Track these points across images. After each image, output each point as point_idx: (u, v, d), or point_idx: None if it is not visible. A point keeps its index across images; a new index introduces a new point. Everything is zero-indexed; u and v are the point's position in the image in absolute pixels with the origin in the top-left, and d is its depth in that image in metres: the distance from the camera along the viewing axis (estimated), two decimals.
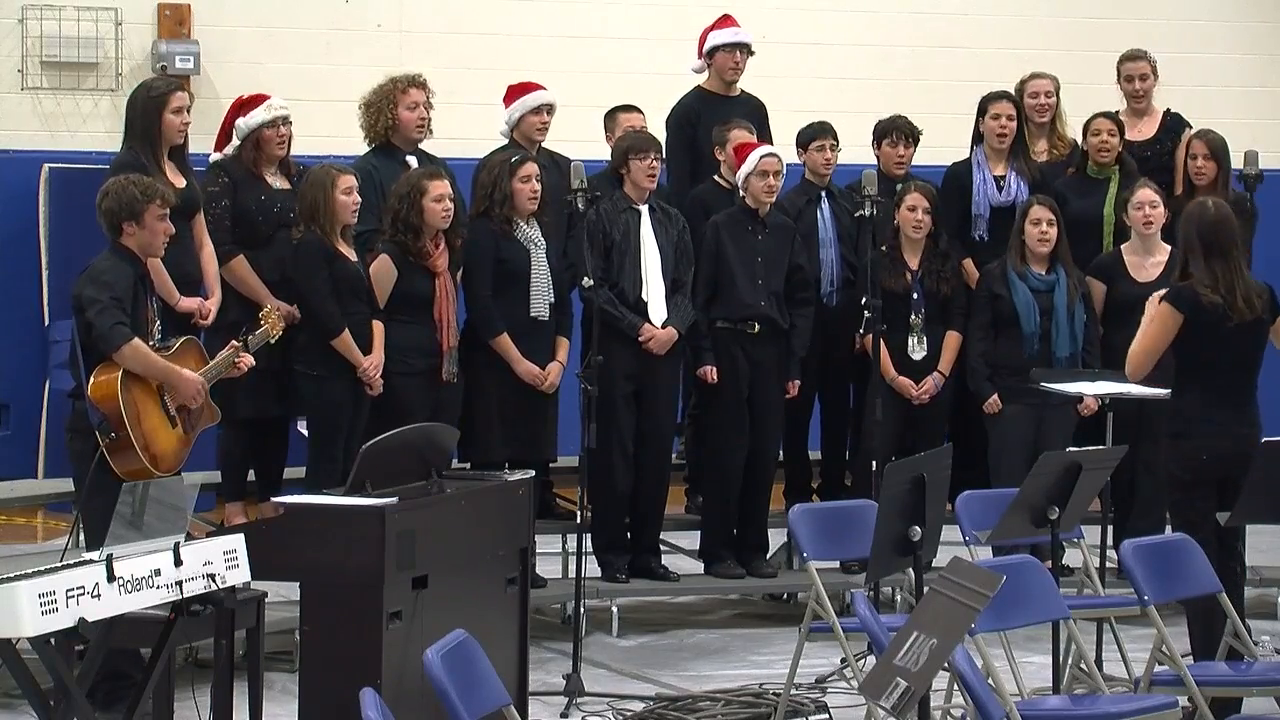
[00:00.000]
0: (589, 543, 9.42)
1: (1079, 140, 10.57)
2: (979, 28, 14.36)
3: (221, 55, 13.05)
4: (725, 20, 10.49)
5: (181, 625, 5.98)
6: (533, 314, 9.42)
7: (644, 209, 9.70)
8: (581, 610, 8.90)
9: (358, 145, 9.82)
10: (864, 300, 9.83)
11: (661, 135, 10.21)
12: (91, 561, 5.54)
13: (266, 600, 7.27)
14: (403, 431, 7.57)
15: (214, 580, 5.91)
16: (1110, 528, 9.08)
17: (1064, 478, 7.53)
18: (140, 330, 7.58)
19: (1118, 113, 10.61)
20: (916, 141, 10.54)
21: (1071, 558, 9.20)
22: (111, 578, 5.50)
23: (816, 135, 10.32)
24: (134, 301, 7.59)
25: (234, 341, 8.08)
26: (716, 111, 10.31)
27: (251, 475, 9.37)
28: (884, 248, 9.95)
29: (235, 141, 9.16)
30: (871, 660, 7.18)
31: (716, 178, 10.16)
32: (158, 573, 5.70)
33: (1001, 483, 9.18)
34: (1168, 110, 10.78)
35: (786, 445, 10.31)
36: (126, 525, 5.71)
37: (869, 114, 10.95)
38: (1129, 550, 7.32)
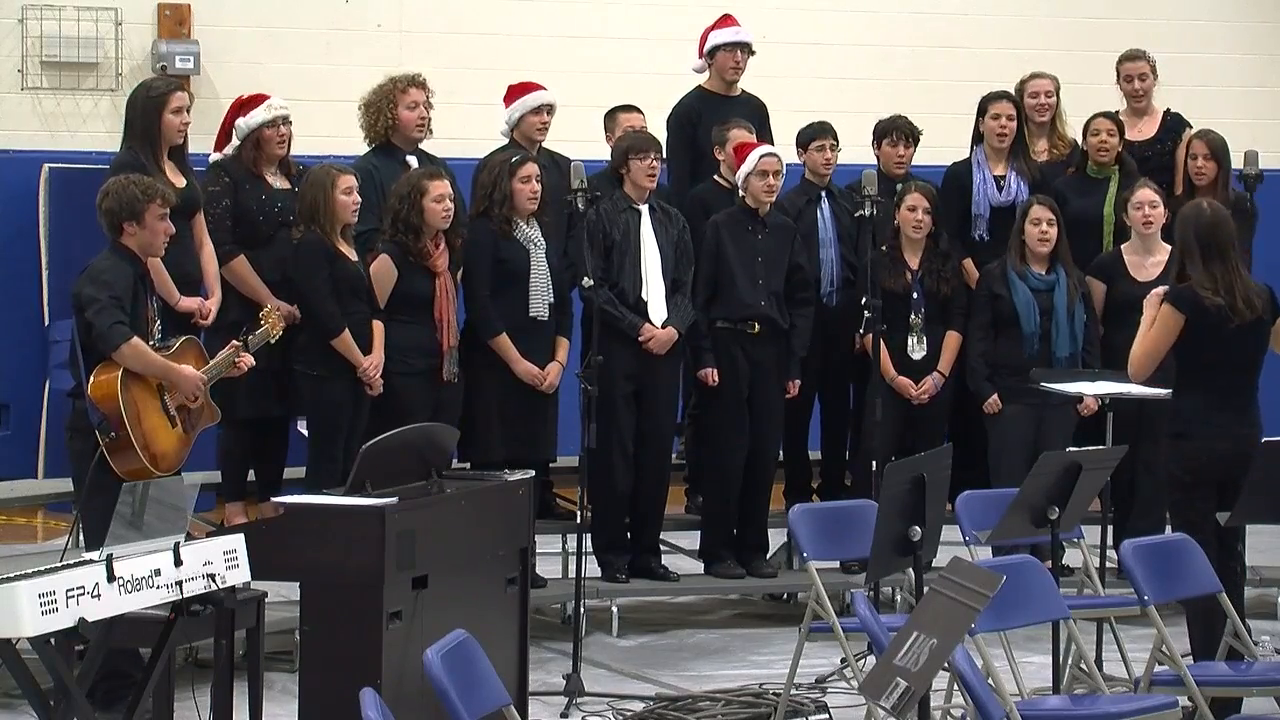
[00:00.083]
0: (589, 543, 9.42)
1: (1079, 140, 10.58)
2: (979, 28, 14.36)
3: (221, 55, 13.05)
4: (726, 20, 10.49)
5: (181, 625, 5.98)
6: (532, 314, 9.42)
7: (644, 209, 9.70)
8: (581, 610, 8.90)
9: (358, 145, 9.82)
10: (864, 300, 9.83)
11: (662, 135, 10.21)
12: (91, 561, 5.54)
13: (266, 600, 7.26)
14: (403, 431, 7.57)
15: (214, 580, 5.90)
16: (1110, 528, 9.08)
17: (1064, 478, 7.53)
18: (140, 330, 7.58)
19: (1118, 113, 10.61)
20: (916, 141, 10.55)
21: (1071, 558, 9.20)
22: (111, 578, 5.50)
23: (816, 135, 10.32)
24: (134, 301, 7.59)
25: (234, 341, 8.08)
26: (717, 111, 10.31)
27: (252, 475, 9.37)
28: (884, 248, 9.95)
29: (235, 141, 9.16)
30: (871, 660, 7.18)
31: (716, 177, 10.16)
32: (158, 573, 5.70)
33: (1001, 483, 9.18)
34: (1168, 110, 10.78)
35: (786, 445, 10.31)
36: (126, 525, 5.71)
37: (869, 114, 10.95)
38: (1129, 550, 7.32)
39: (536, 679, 8.33)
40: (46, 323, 12.47)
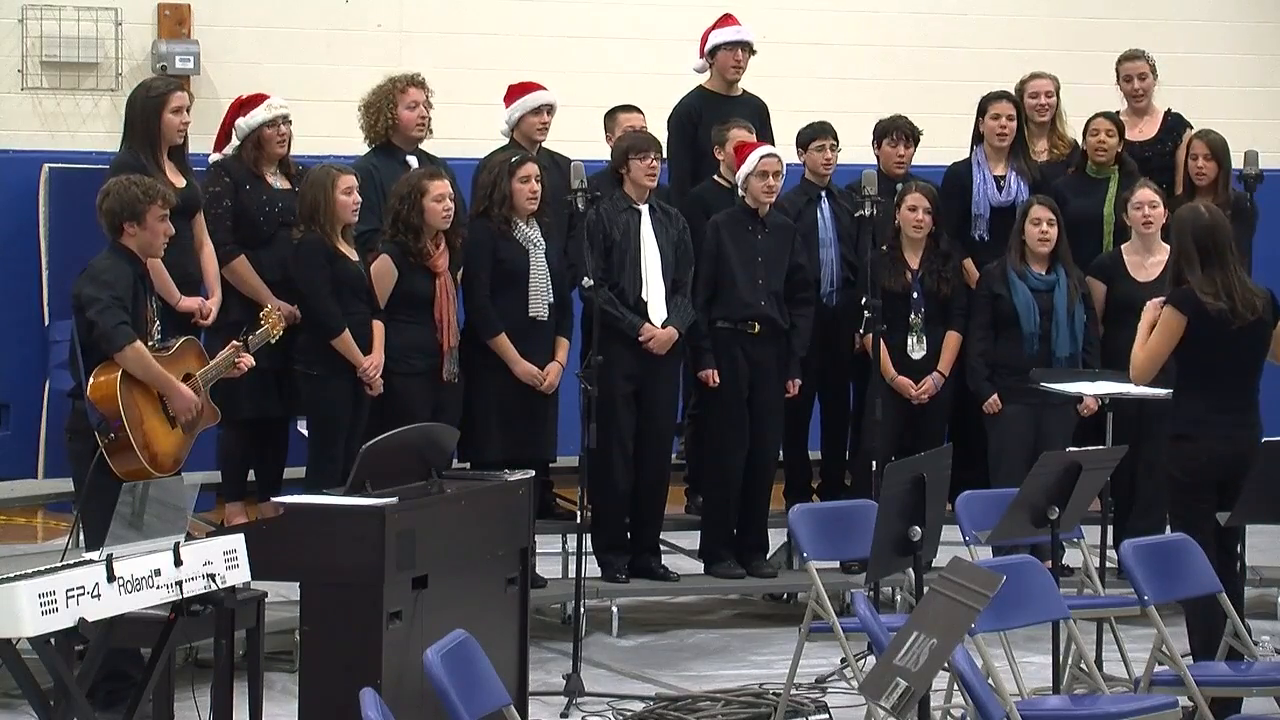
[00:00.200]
0: (589, 543, 9.42)
1: (1079, 140, 10.58)
2: (979, 28, 14.36)
3: (221, 55, 13.05)
4: (727, 19, 10.49)
5: (181, 625, 5.98)
6: (531, 314, 9.42)
7: (644, 209, 9.70)
8: (581, 610, 8.90)
9: (358, 145, 9.82)
10: (864, 300, 9.83)
11: (662, 135, 10.21)
12: (91, 561, 5.54)
13: (266, 600, 7.26)
14: (403, 431, 7.58)
15: (214, 580, 5.91)
16: (1110, 528, 9.08)
17: (1064, 478, 7.54)
18: (140, 330, 7.57)
19: (1119, 113, 10.61)
20: (916, 141, 10.55)
21: (1071, 558, 9.21)
22: (111, 578, 5.50)
23: (816, 135, 10.32)
24: (134, 301, 7.59)
25: (234, 341, 8.07)
26: (718, 111, 10.31)
27: (252, 475, 9.37)
28: (884, 247, 9.95)
29: (235, 141, 9.16)
30: (871, 660, 7.18)
31: (716, 177, 10.16)
32: (158, 573, 5.70)
33: (1001, 483, 9.18)
34: (1169, 110, 10.78)
35: (786, 445, 10.31)
36: (126, 525, 5.71)
37: (869, 114, 10.95)
38: (1129, 550, 7.32)
39: (536, 679, 8.33)
40: (46, 323, 12.47)
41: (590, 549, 9.48)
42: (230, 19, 13.21)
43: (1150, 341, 7.92)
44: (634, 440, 9.67)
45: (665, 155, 10.05)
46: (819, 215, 10.28)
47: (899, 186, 10.22)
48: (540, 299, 9.43)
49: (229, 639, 6.94)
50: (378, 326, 9.02)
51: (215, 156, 9.25)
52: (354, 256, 8.98)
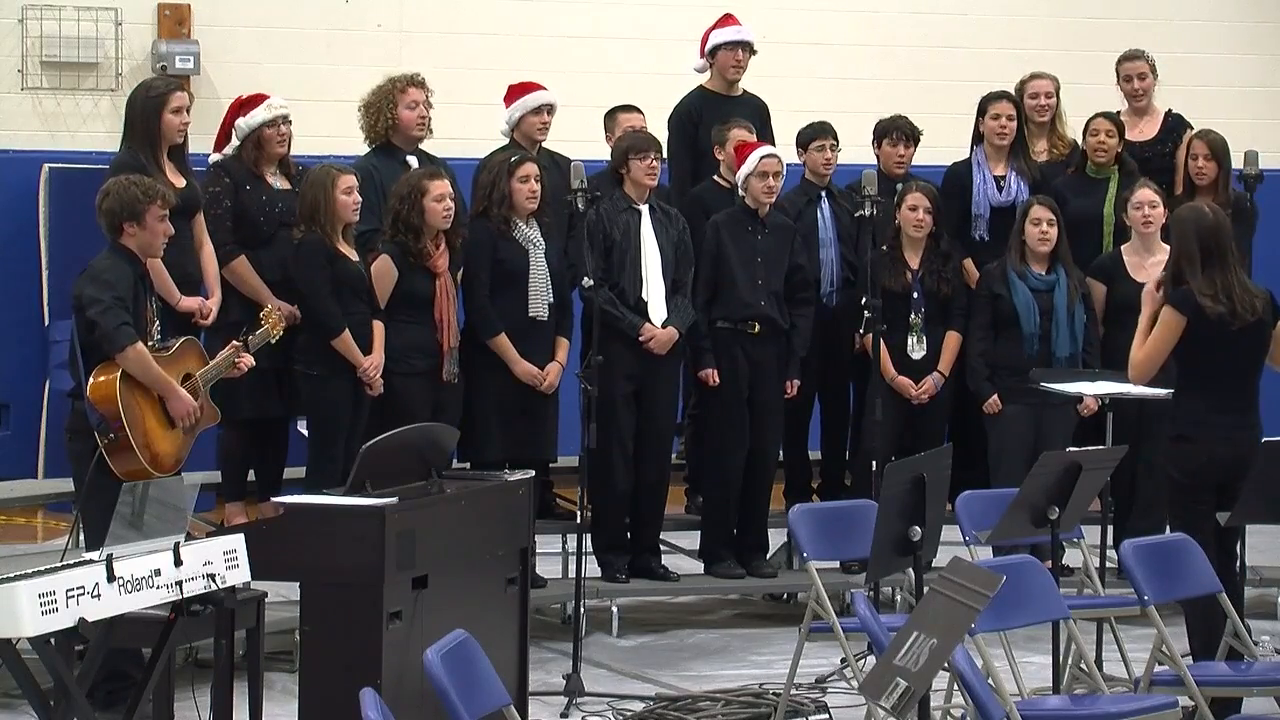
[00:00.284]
0: (589, 543, 9.42)
1: (1079, 140, 10.57)
2: (979, 28, 14.36)
3: (221, 55, 13.05)
4: (727, 19, 10.49)
5: (181, 625, 5.98)
6: (531, 314, 9.42)
7: (644, 209, 9.70)
8: (581, 610, 8.90)
9: (358, 145, 9.82)
10: (864, 300, 9.83)
11: (662, 135, 10.21)
12: (91, 561, 5.54)
13: (266, 600, 7.26)
14: (403, 431, 7.58)
15: (214, 580, 5.91)
16: (1110, 528, 9.08)
17: (1064, 478, 7.53)
18: (140, 330, 7.57)
19: (1119, 113, 10.61)
20: (916, 141, 10.54)
21: (1071, 558, 9.21)
22: (111, 578, 5.50)
23: (816, 135, 10.32)
24: (134, 301, 7.59)
25: (234, 341, 8.08)
26: (718, 111, 10.31)
27: (252, 475, 9.37)
28: (884, 247, 9.95)
29: (235, 141, 9.16)
30: (871, 660, 7.18)
31: (716, 178, 10.16)
32: (158, 573, 5.70)
33: (1001, 483, 9.18)
34: (1169, 111, 10.78)
35: (786, 445, 10.31)
36: (126, 525, 5.71)
37: (869, 114, 10.95)
38: (1129, 550, 7.32)
39: (536, 679, 8.33)
40: (46, 323, 12.47)
41: (590, 549, 9.48)
42: (230, 19, 13.21)
43: (1149, 341, 7.92)
44: (634, 440, 9.67)
45: (665, 155, 10.05)
46: (819, 215, 10.28)
47: (899, 186, 10.22)
48: (540, 299, 9.43)
49: (229, 639, 6.93)
50: (378, 326, 9.02)
51: (215, 156, 9.25)
52: (354, 256, 8.98)
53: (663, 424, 9.83)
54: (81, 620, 5.36)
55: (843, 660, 8.31)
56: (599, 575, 9.79)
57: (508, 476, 7.91)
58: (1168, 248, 9.63)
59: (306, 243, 8.88)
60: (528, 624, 7.80)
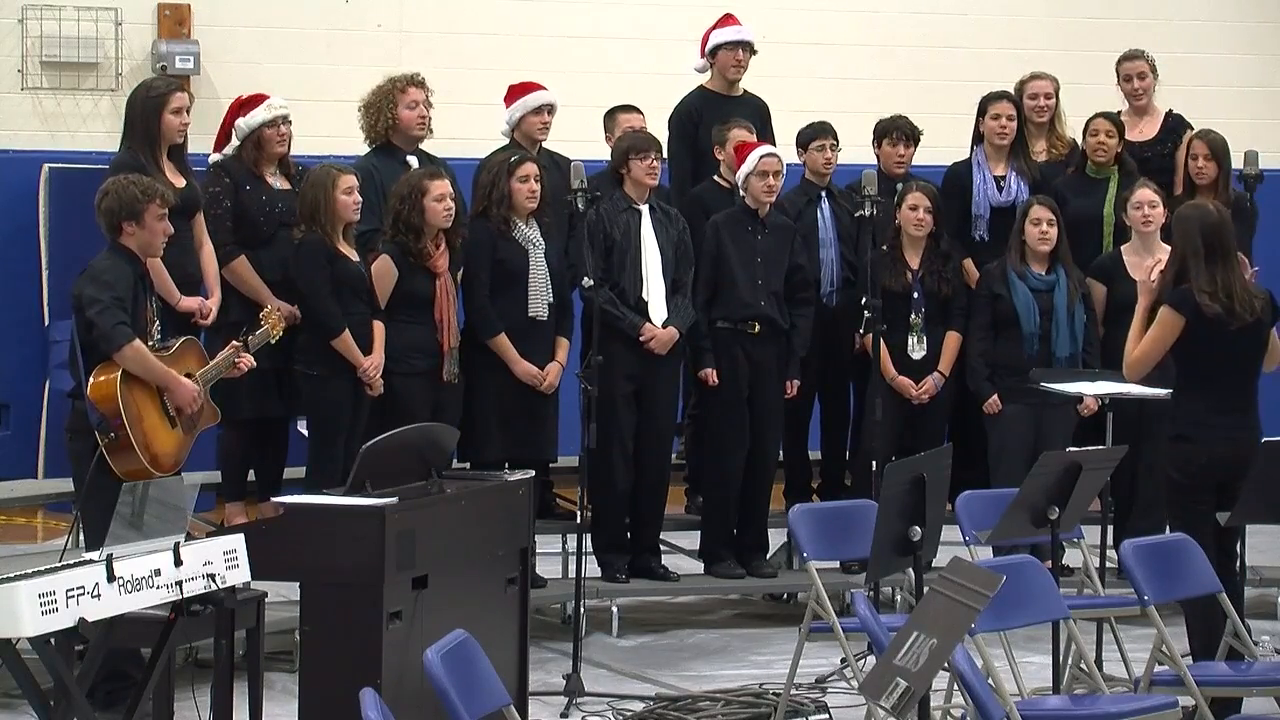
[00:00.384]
0: (589, 543, 9.42)
1: (1079, 140, 10.57)
2: (979, 28, 14.37)
3: (221, 55, 13.05)
4: (728, 19, 10.49)
5: (181, 625, 5.98)
6: (531, 314, 9.42)
7: (644, 209, 9.70)
8: (581, 610, 8.90)
9: (358, 145, 9.82)
10: (864, 300, 9.83)
11: (662, 135, 10.21)
12: (91, 561, 5.54)
13: (266, 600, 7.26)
14: (403, 431, 7.58)
15: (214, 580, 5.90)
16: (1110, 528, 9.08)
17: (1064, 478, 7.53)
18: (140, 330, 7.57)
19: (1119, 113, 10.61)
20: (916, 141, 10.55)
21: (1071, 558, 9.21)
22: (111, 578, 5.50)
23: (816, 135, 10.32)
24: (134, 301, 7.59)
25: (234, 341, 8.08)
26: (719, 111, 10.31)
27: (252, 475, 9.37)
28: (884, 247, 9.95)
29: (235, 141, 9.16)
30: (871, 660, 7.18)
31: (716, 178, 10.16)
32: (158, 573, 5.70)
33: (1001, 483, 9.18)
34: (1169, 111, 10.78)
35: (786, 445, 10.31)
36: (126, 525, 5.71)
37: (869, 114, 10.95)
38: (1129, 550, 7.32)
39: (536, 679, 8.33)
40: (46, 323, 12.47)
41: (590, 549, 9.48)
42: (230, 19, 13.21)
43: (1145, 340, 7.92)
44: (634, 440, 9.67)
45: (665, 155, 10.05)
46: (819, 215, 10.28)
47: (899, 186, 10.22)
48: (540, 299, 9.43)
49: (229, 639, 6.93)
50: (378, 327, 9.02)
51: (215, 156, 9.25)
52: (354, 257, 8.98)
53: (663, 424, 9.83)
54: (81, 620, 5.36)
55: (843, 660, 8.31)
56: (599, 575, 9.79)
57: (508, 476, 7.91)
58: (1168, 248, 9.67)
59: (306, 243, 8.88)
60: (528, 624, 7.80)
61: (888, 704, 5.08)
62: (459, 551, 7.30)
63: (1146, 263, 9.92)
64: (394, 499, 6.94)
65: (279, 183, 9.20)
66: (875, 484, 8.66)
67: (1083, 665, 7.67)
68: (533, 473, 8.04)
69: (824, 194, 10.33)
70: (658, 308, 9.65)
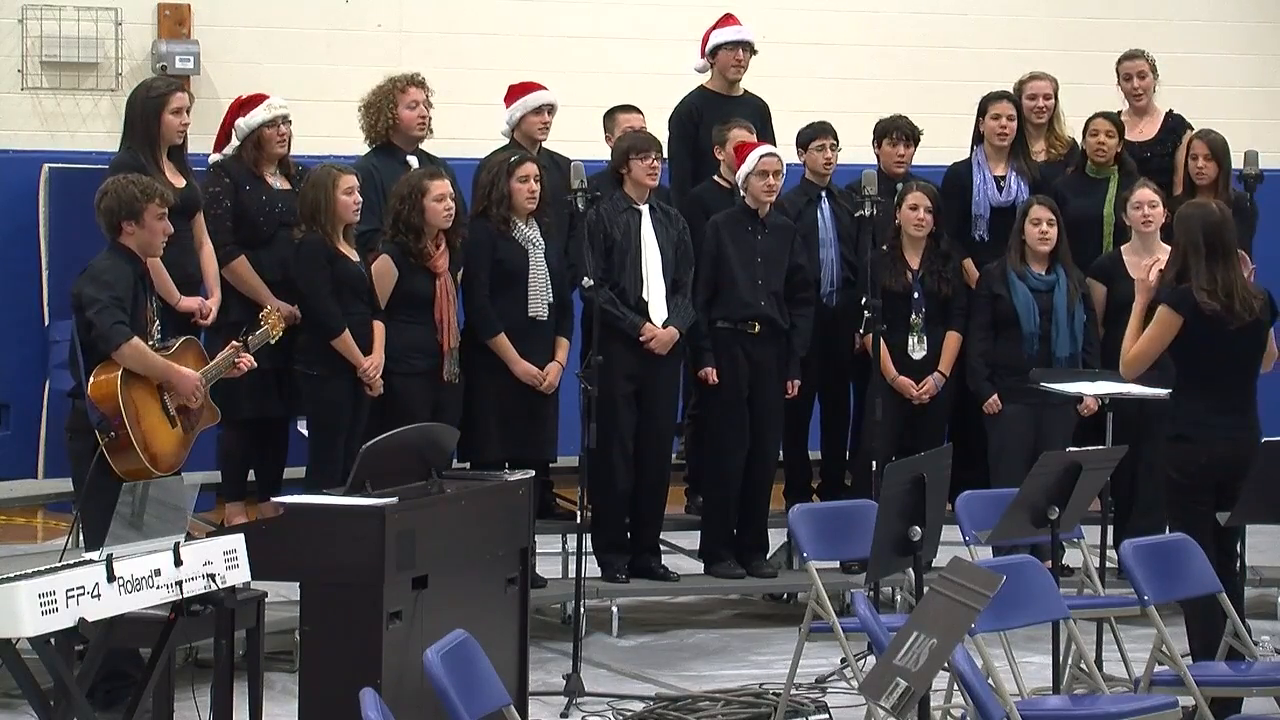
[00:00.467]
0: (589, 543, 9.42)
1: (1078, 140, 10.57)
2: (979, 28, 14.37)
3: (221, 55, 13.05)
4: (728, 19, 10.49)
5: (181, 625, 5.98)
6: (531, 314, 9.42)
7: (644, 209, 9.70)
8: (581, 610, 8.90)
9: (358, 145, 9.82)
10: (864, 300, 9.83)
11: (662, 135, 10.21)
12: (91, 561, 5.54)
13: (266, 600, 7.26)
14: (403, 431, 7.57)
15: (214, 580, 5.91)
16: (1110, 528, 9.08)
17: (1064, 478, 7.53)
18: (140, 330, 7.57)
19: (1120, 113, 10.61)
20: (916, 141, 10.55)
21: (1071, 558, 9.21)
22: (111, 578, 5.50)
23: (816, 135, 10.32)
24: (134, 301, 7.59)
25: (234, 341, 8.08)
26: (719, 111, 10.31)
27: (252, 475, 9.37)
28: (884, 247, 9.95)
29: (235, 141, 9.16)
30: (871, 660, 7.18)
31: (716, 178, 10.16)
32: (158, 573, 5.70)
33: (1001, 483, 9.18)
34: (1170, 111, 10.78)
35: (786, 445, 10.31)
36: (126, 525, 5.71)
37: (869, 114, 10.95)
38: (1129, 550, 7.32)
39: (536, 679, 8.33)
40: (46, 323, 12.47)
41: (590, 549, 9.48)
42: (230, 19, 13.21)
43: (1142, 339, 7.92)
44: (634, 440, 9.67)
45: (665, 155, 10.05)
46: (819, 215, 10.28)
47: (899, 186, 10.22)
48: (540, 299, 9.43)
49: (229, 639, 6.93)
50: (378, 327, 9.02)
51: (215, 156, 9.25)
52: (354, 257, 8.98)
53: (663, 424, 9.83)
54: (81, 620, 5.36)
55: (843, 660, 8.31)
56: (599, 575, 9.79)
57: (508, 476, 7.91)
58: (1168, 248, 9.66)
59: (307, 243, 8.88)
60: (528, 624, 7.80)
61: (888, 704, 5.08)
62: (459, 551, 7.30)
63: (1145, 262, 9.94)
64: (394, 499, 6.94)
65: (279, 183, 9.20)
66: (875, 484, 8.66)
67: (1083, 665, 7.67)
68: (533, 473, 8.05)
69: (824, 194, 10.33)
70: (658, 308, 9.65)
